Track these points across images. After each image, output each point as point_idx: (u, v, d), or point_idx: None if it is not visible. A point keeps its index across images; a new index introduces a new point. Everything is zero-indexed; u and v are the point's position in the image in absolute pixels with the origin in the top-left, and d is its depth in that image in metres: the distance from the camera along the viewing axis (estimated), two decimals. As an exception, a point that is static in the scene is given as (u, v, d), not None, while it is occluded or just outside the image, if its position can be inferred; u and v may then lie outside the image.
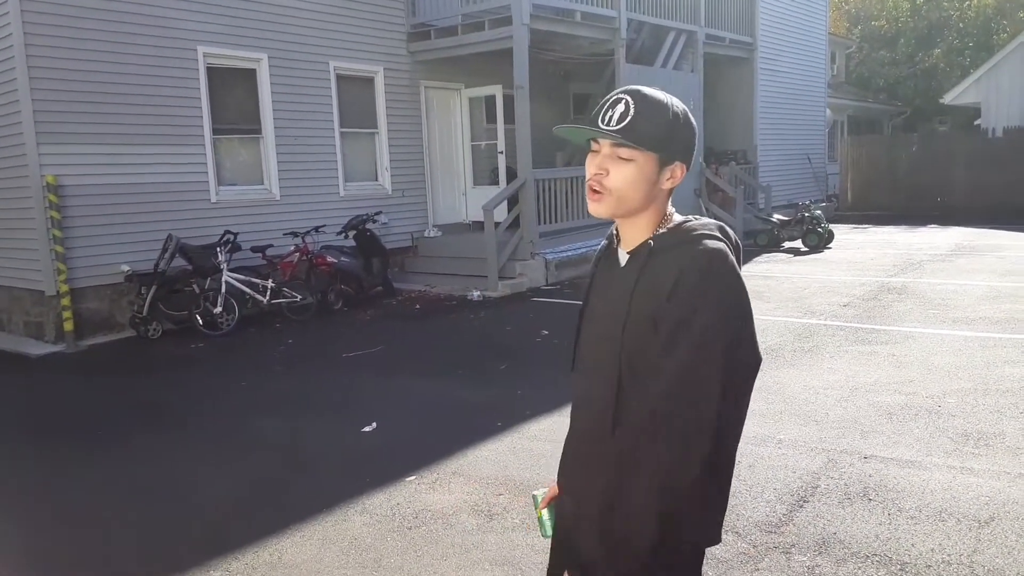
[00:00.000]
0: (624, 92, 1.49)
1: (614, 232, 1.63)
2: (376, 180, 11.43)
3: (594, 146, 1.52)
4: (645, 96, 1.48)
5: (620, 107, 1.46)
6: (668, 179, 1.53)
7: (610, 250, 1.63)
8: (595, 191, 1.51)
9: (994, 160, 18.15)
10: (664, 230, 1.54)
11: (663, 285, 1.45)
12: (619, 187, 1.49)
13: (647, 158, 1.48)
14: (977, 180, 18.22)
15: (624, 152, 1.47)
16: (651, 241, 1.52)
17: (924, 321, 7.46)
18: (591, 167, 1.52)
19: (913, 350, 6.42)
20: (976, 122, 22.23)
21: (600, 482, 1.54)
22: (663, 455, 1.43)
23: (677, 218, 1.57)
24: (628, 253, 1.56)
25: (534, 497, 1.81)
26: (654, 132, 1.47)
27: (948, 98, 22.40)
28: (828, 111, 21.14)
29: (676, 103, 1.50)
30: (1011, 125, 19.00)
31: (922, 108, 28.35)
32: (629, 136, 1.45)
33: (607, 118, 1.46)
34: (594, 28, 11.68)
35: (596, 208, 1.53)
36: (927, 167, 19.10)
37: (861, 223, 17.49)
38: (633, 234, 1.56)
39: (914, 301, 8.43)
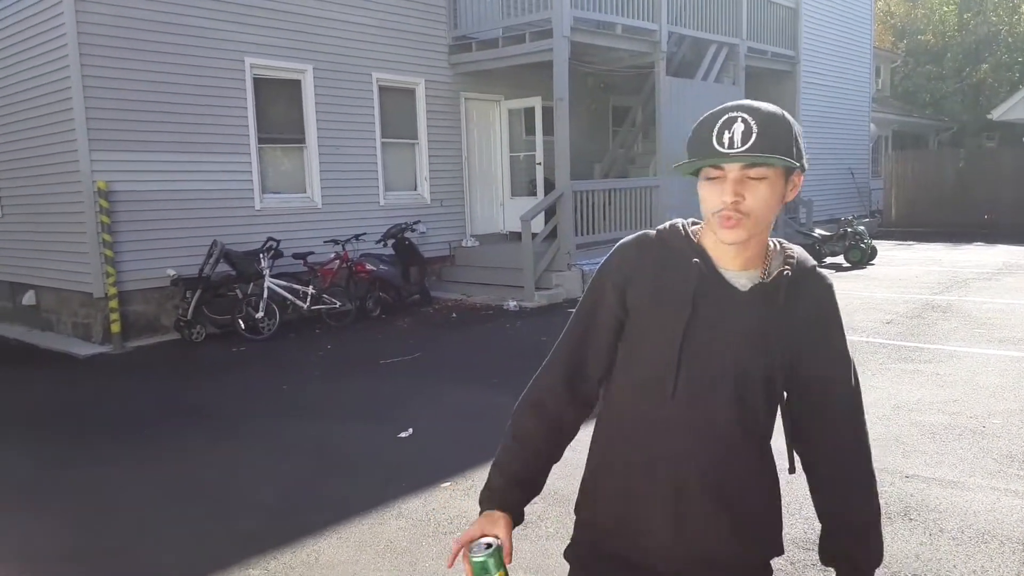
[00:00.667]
0: (735, 110, 1.39)
1: (698, 253, 1.48)
2: (415, 190, 11.55)
3: (712, 173, 1.40)
4: (759, 110, 1.39)
5: (739, 126, 1.36)
6: (791, 190, 1.46)
7: (710, 274, 1.46)
8: (732, 219, 1.39)
9: (1044, 177, 17.72)
10: (782, 254, 1.51)
11: (808, 315, 1.50)
12: (757, 209, 1.39)
13: (777, 173, 1.40)
14: (1026, 198, 17.80)
15: (756, 172, 1.38)
16: (787, 271, 1.48)
17: (969, 340, 7.30)
18: (720, 195, 1.39)
19: (957, 369, 6.29)
20: (1025, 138, 21.73)
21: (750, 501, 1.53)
22: (869, 477, 1.59)
23: (770, 239, 1.52)
24: (757, 280, 1.47)
25: (480, 558, 1.46)
26: (781, 145, 1.38)
27: (996, 114, 21.90)
28: (872, 125, 20.84)
29: (783, 110, 1.43)
30: (1062, 141, 18.54)
31: (969, 124, 27.77)
32: (766, 153, 1.36)
33: (728, 140, 1.36)
34: (634, 41, 11.69)
35: (735, 235, 1.40)
36: (974, 183, 18.71)
37: (905, 239, 17.17)
38: (746, 254, 1.46)
39: (959, 319, 8.26)
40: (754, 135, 1.35)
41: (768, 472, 1.56)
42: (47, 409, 6.36)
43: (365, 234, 9.96)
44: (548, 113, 11.41)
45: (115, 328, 8.28)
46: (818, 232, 13.69)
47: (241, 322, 8.41)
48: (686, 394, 1.44)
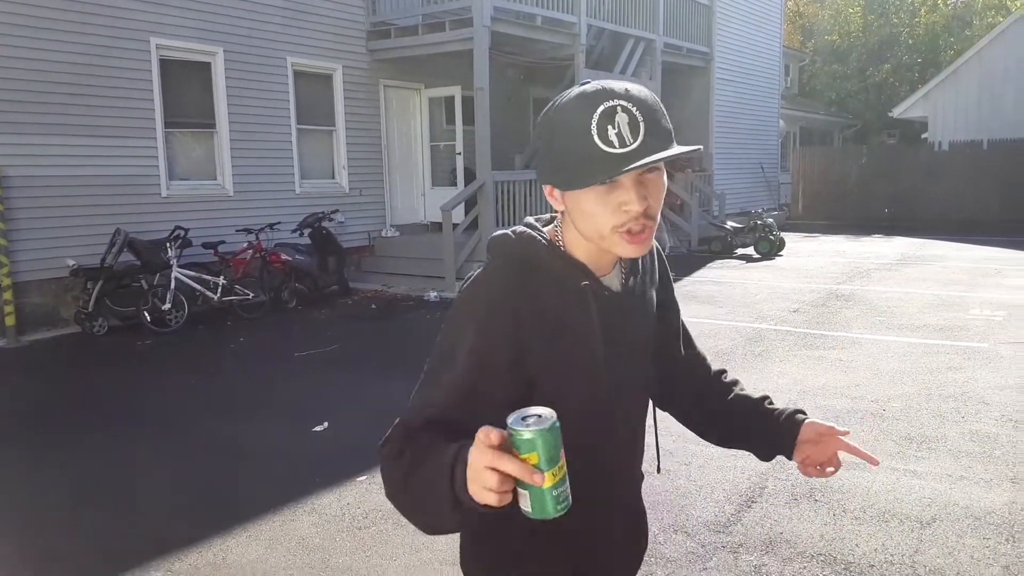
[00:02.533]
0: (611, 98, 1.12)
1: (580, 270, 1.26)
2: (333, 178, 11.31)
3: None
4: (630, 92, 1.14)
5: (622, 116, 1.11)
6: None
7: (600, 291, 1.27)
8: (646, 230, 1.17)
9: (940, 173, 18.73)
10: None
11: (658, 281, 1.47)
12: (658, 208, 1.18)
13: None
14: (924, 192, 18.78)
15: (657, 168, 1.16)
16: (640, 260, 1.40)
17: (871, 327, 7.64)
18: (620, 205, 1.14)
19: (860, 355, 6.57)
20: (923, 135, 22.92)
21: (635, 517, 1.51)
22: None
23: None
24: (619, 274, 1.32)
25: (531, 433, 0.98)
26: (668, 129, 1.16)
27: (897, 112, 23.06)
28: (781, 122, 21.61)
29: (640, 85, 1.19)
30: (957, 139, 19.62)
31: (872, 121, 29.13)
32: (671, 148, 1.14)
33: (618, 137, 1.10)
34: (554, 33, 11.74)
35: (645, 248, 1.19)
36: (876, 179, 19.62)
37: (811, 232, 17.87)
38: (613, 256, 1.27)
39: (861, 308, 8.63)
40: (642, 125, 1.11)
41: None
42: (-69, 408, 5.95)
43: (280, 223, 9.68)
44: (468, 102, 11.33)
45: (10, 321, 7.80)
46: (730, 224, 14.10)
47: (146, 314, 8.04)
48: (621, 430, 1.36)
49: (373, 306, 9.53)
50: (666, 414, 1.60)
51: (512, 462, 0.97)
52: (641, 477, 1.50)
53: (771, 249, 13.35)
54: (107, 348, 7.70)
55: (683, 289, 10.17)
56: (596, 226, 1.16)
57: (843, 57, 30.84)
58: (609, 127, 1.10)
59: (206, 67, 9.60)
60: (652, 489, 3.93)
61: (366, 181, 11.64)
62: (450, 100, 12.34)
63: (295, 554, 3.45)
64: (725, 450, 4.55)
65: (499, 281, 1.22)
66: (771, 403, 1.54)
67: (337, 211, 10.58)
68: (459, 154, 12.33)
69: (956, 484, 3.97)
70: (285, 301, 9.33)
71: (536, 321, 1.20)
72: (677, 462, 4.32)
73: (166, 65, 9.14)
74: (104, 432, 5.21)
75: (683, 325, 1.58)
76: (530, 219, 1.31)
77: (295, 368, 6.78)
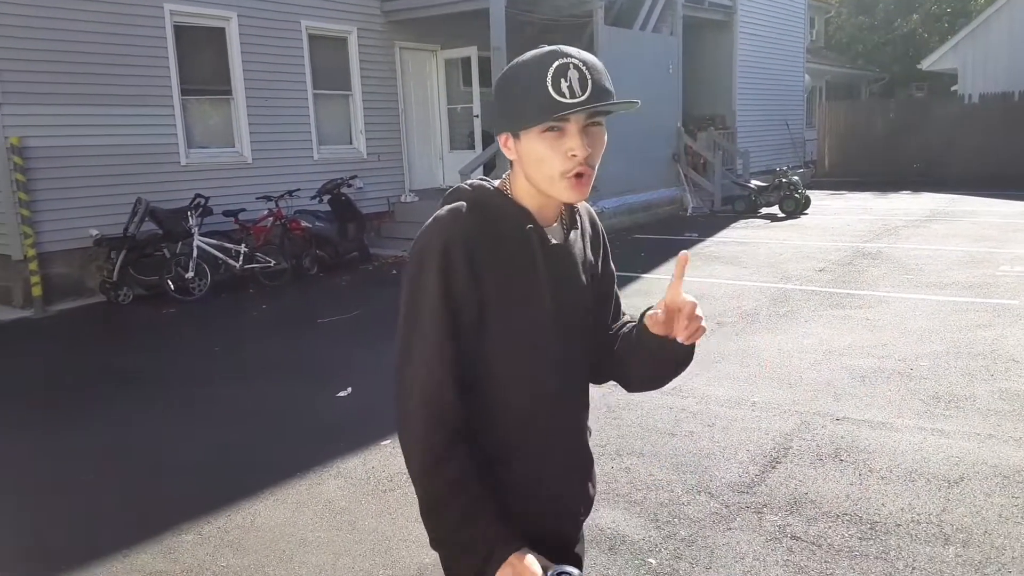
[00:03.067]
0: (563, 56, 1.27)
1: (526, 216, 1.37)
2: (351, 144, 11.25)
3: (548, 125, 1.27)
4: (581, 54, 1.29)
5: (574, 73, 1.25)
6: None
7: (543, 238, 1.38)
8: (586, 176, 1.30)
9: (970, 126, 18.26)
10: None
11: (595, 247, 1.53)
12: (598, 159, 1.33)
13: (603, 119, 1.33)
14: (953, 146, 18.34)
15: (598, 118, 1.30)
16: (577, 213, 1.48)
17: (898, 286, 7.51)
18: (566, 151, 1.27)
19: (887, 314, 6.47)
20: (953, 88, 22.33)
21: (585, 464, 1.54)
22: None
23: None
24: (559, 229, 1.43)
25: None
26: (610, 86, 1.30)
27: (926, 64, 22.45)
28: (807, 76, 21.12)
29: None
30: (987, 91, 19.10)
31: (900, 74, 28.40)
32: (609, 100, 1.28)
33: (568, 89, 1.25)
34: (573, -11, 11.50)
35: (585, 193, 1.32)
36: (904, 133, 19.18)
37: (838, 189, 17.57)
38: (556, 208, 1.41)
39: (889, 266, 8.49)
40: (590, 81, 1.26)
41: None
42: (-36, 378, 6.06)
43: (299, 190, 9.67)
44: (485, 63, 11.18)
45: (36, 291, 7.90)
46: (754, 183, 13.88)
47: (170, 283, 8.11)
48: (564, 369, 1.43)
49: (394, 272, 9.54)
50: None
51: None
52: (588, 430, 1.57)
53: (796, 207, 13.15)
54: (132, 316, 7.79)
55: (706, 250, 10.07)
56: (547, 170, 1.29)
57: (869, 8, 29.99)
58: (562, 80, 1.25)
59: (220, 32, 9.53)
60: (675, 451, 3.93)
61: (384, 146, 11.56)
62: (466, 61, 12.18)
63: (322, 516, 3.49)
64: (750, 412, 4.52)
65: (452, 220, 1.33)
66: (630, 322, 1.55)
67: (356, 177, 10.54)
68: (476, 116, 12.21)
69: (984, 443, 3.91)
70: (306, 268, 9.36)
71: (487, 254, 1.32)
72: (701, 423, 4.30)
73: (180, 31, 9.08)
74: (131, 398, 5.28)
75: (616, 297, 1.61)
76: (477, 177, 1.45)
77: (318, 334, 6.82)
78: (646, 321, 1.38)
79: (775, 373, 5.12)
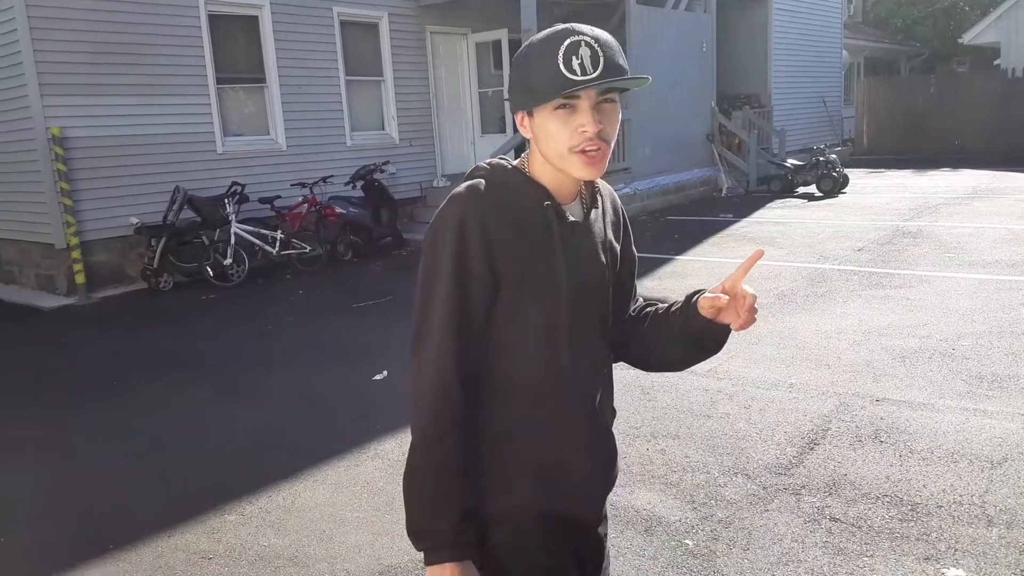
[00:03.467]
0: (575, 34, 1.28)
1: (544, 193, 1.38)
2: (383, 129, 11.29)
3: (559, 104, 1.29)
4: (593, 31, 1.30)
5: (585, 51, 1.26)
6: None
7: (561, 215, 1.38)
8: (600, 151, 1.31)
9: (1014, 101, 17.74)
10: None
11: (616, 229, 1.53)
12: (613, 135, 1.33)
13: (617, 95, 1.34)
14: (996, 122, 17.82)
15: (610, 95, 1.32)
16: (598, 192, 1.47)
17: (939, 265, 7.36)
18: (578, 127, 1.28)
19: (927, 294, 6.35)
20: (996, 62, 21.69)
21: (603, 444, 1.53)
22: None
23: None
24: (579, 207, 1.44)
25: None
26: (624, 63, 1.31)
27: (967, 38, 21.82)
28: (844, 53, 20.66)
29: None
30: (1032, 65, 18.53)
31: (940, 49, 27.64)
32: (621, 76, 1.29)
33: (580, 67, 1.26)
34: (603, -32, 11.37)
35: (599, 170, 1.32)
36: (945, 109, 18.69)
37: (877, 167, 17.22)
38: (575, 184, 1.41)
39: (929, 245, 8.32)
40: (602, 58, 1.27)
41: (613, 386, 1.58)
42: (13, 362, 6.23)
43: (333, 176, 9.75)
44: (515, 46, 11.13)
45: (80, 279, 8.09)
46: (791, 162, 13.66)
47: (209, 269, 8.25)
48: (579, 347, 1.41)
49: (427, 256, 9.57)
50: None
51: None
52: (613, 412, 1.56)
53: (834, 186, 12.91)
54: (173, 303, 7.94)
55: (741, 231, 9.96)
56: (557, 146, 1.30)
57: (910, -19, 29.20)
58: (573, 57, 1.26)
59: (254, 20, 9.61)
60: (711, 433, 3.91)
61: (416, 131, 11.59)
62: (497, 44, 12.13)
63: (361, 497, 3.55)
64: (787, 393, 4.48)
65: (469, 197, 1.34)
66: (673, 305, 1.53)
67: (388, 162, 10.59)
68: (507, 100, 12.14)
69: (1030, 424, 3.83)
70: (341, 254, 9.45)
71: (502, 232, 1.33)
72: (737, 405, 4.27)
73: (215, 20, 9.18)
74: (174, 382, 5.40)
75: (633, 281, 1.63)
76: (499, 156, 1.46)
77: (353, 319, 6.89)
78: (700, 303, 1.39)
79: (813, 354, 5.06)
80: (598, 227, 1.46)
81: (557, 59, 1.27)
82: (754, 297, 1.34)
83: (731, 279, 1.35)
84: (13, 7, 7.63)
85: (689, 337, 1.44)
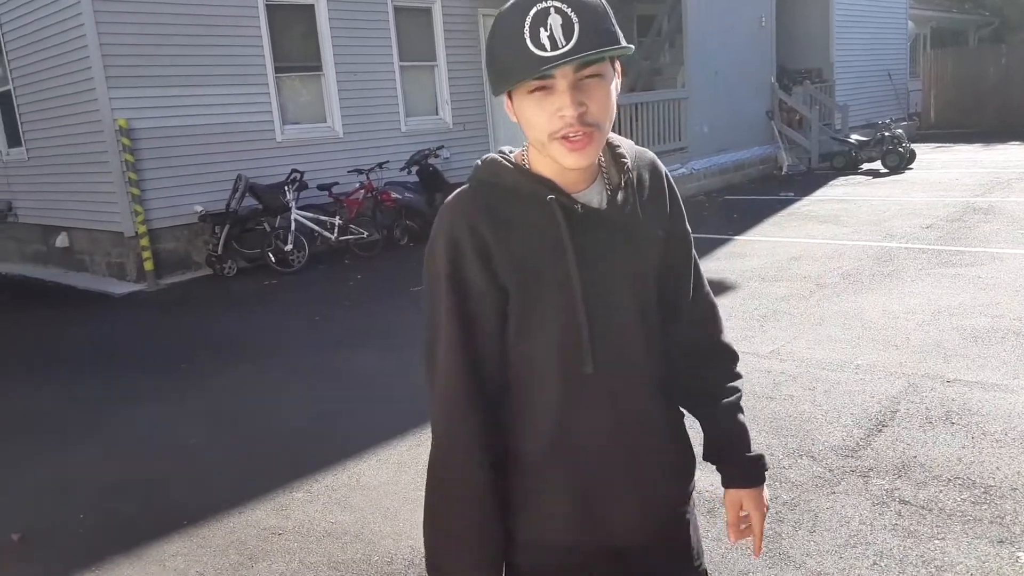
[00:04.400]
0: (543, 2, 1.09)
1: (546, 185, 1.22)
2: (437, 114, 11.34)
3: (533, 85, 1.12)
4: None
5: (555, 18, 1.08)
6: (617, 76, 1.20)
7: (569, 206, 1.22)
8: (583, 137, 1.13)
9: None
10: (609, 151, 1.30)
11: (660, 206, 1.33)
12: (602, 115, 1.14)
13: (607, 65, 1.14)
14: (1073, 92, 17.00)
15: (593, 70, 1.12)
16: (629, 171, 1.28)
17: (1012, 242, 7.08)
18: (555, 111, 1.12)
19: (1000, 272, 6.12)
20: (1074, 29, 20.64)
21: (653, 459, 1.34)
22: (726, 349, 1.45)
23: None
24: (604, 190, 1.26)
25: None
26: (607, 29, 1.11)
27: (1043, 4, 20.79)
28: (910, 23, 19.90)
29: None
30: (1114, 30, 17.57)
31: (1012, 18, 26.37)
32: (602, 47, 1.10)
33: (549, 40, 1.08)
34: (658, -56, 11.16)
35: (586, 156, 1.15)
36: (1016, 81, 17.90)
37: (944, 142, 16.60)
38: (591, 168, 1.24)
39: (1001, 221, 8.00)
40: (576, 26, 1.08)
41: (675, 396, 1.41)
42: (88, 347, 6.49)
43: (388, 162, 9.84)
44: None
45: (148, 266, 8.36)
46: (854, 138, 13.26)
47: (271, 255, 8.44)
48: (606, 356, 1.24)
49: (483, 239, 9.61)
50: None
51: None
52: (662, 414, 1.35)
53: (900, 162, 12.50)
54: (237, 288, 8.15)
55: (803, 209, 9.73)
56: (537, 134, 1.15)
57: (980, -54, 27.94)
58: (541, 29, 1.08)
59: (310, 9, 9.72)
60: (774, 415, 3.85)
61: (469, 115, 11.60)
62: (550, 25, 12.01)
63: (423, 476, 3.57)
64: (853, 375, 4.37)
65: (458, 204, 1.23)
66: (730, 430, 1.41)
67: (442, 147, 10.64)
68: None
69: (1114, 405, 3.67)
70: (397, 238, 9.55)
71: (498, 237, 1.19)
72: (801, 387, 4.19)
73: (272, 10, 9.32)
74: (239, 364, 5.55)
75: (695, 266, 1.41)
76: (504, 148, 1.30)
77: (411, 302, 6.97)
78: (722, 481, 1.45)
79: (880, 335, 4.93)
80: (629, 209, 1.27)
81: (523, 32, 1.09)
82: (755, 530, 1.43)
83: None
84: (80, 1, 7.87)
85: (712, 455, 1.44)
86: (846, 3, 15.97)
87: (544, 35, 1.08)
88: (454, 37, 11.27)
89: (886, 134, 12.72)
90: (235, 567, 3.02)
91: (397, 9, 10.56)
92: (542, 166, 1.22)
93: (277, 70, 9.41)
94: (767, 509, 1.43)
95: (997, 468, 3.20)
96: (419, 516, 3.24)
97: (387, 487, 3.54)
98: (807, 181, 12.15)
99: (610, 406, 1.26)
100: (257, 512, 3.41)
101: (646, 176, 1.32)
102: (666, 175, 1.37)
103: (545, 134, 1.14)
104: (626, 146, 1.32)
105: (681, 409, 1.42)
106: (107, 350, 6.35)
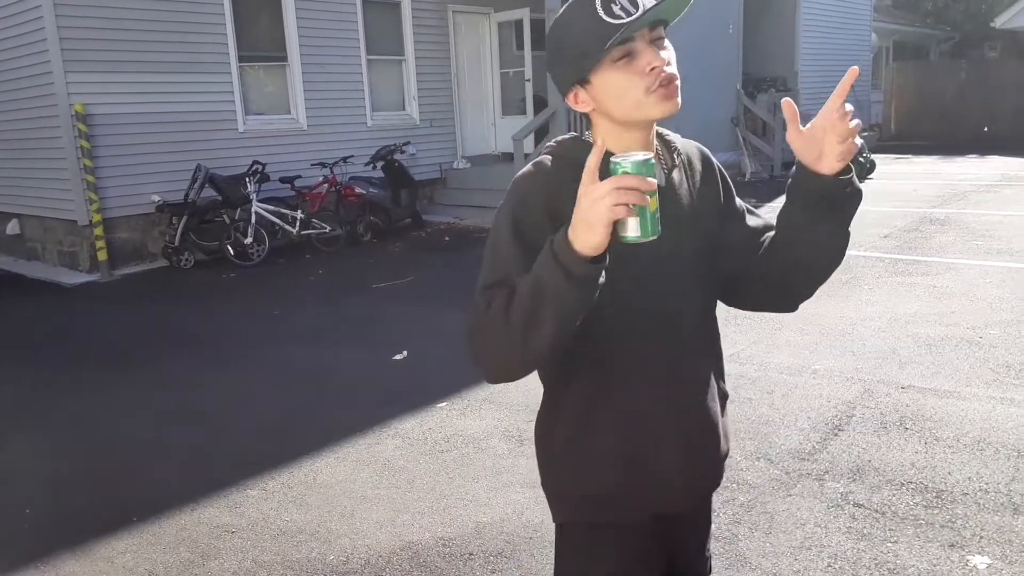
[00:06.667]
0: None
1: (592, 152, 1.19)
2: (404, 110, 11.26)
3: (617, 54, 1.20)
4: None
5: None
6: None
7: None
8: (673, 84, 1.23)
9: (1046, 87, 17.38)
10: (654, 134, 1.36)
11: (712, 186, 1.42)
12: (677, 72, 1.25)
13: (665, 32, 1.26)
14: (1026, 108, 17.49)
15: (660, 31, 1.23)
16: (679, 152, 1.38)
17: (967, 252, 7.24)
18: (643, 67, 1.20)
19: (955, 281, 6.25)
20: (1028, 47, 21.24)
21: (698, 432, 1.42)
22: None
23: None
24: (663, 167, 1.34)
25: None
26: None
27: (1000, 22, 21.33)
28: (873, 36, 20.30)
29: None
30: (1066, 50, 18.13)
31: (972, 33, 27.06)
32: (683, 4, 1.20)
33: (624, 10, 1.17)
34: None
35: (677, 104, 1.24)
36: (975, 95, 18.35)
37: (904, 153, 16.95)
38: (647, 146, 1.31)
39: (957, 232, 8.19)
40: None
41: (719, 364, 1.49)
42: (38, 337, 6.31)
43: (353, 156, 9.72)
44: (537, 25, 11.02)
45: (102, 256, 8.16)
46: (815, 147, 13.44)
47: (230, 248, 8.29)
48: (661, 324, 1.32)
49: (446, 238, 9.57)
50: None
51: (631, 178, 1.05)
52: (714, 386, 1.44)
53: (860, 172, 12.62)
54: (194, 281, 7.99)
55: (765, 216, 9.84)
56: (631, 97, 1.21)
57: (940, -37, 28.60)
58: (612, 4, 1.17)
59: (276, -1, 9.59)
60: (732, 417, 3.88)
61: (436, 112, 11.54)
62: (519, 24, 12.02)
63: (381, 475, 3.55)
64: (811, 379, 4.41)
65: (532, 171, 1.30)
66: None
67: (408, 143, 10.56)
68: (528, 80, 12.07)
69: (1060, 413, 3.76)
70: (360, 234, 9.45)
71: (568, 200, 1.16)
72: (759, 390, 4.23)
73: (238, -2, 9.16)
74: (194, 358, 5.43)
75: (753, 216, 1.48)
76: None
77: (373, 299, 6.90)
78: (796, 149, 1.24)
79: (837, 341, 5.00)
80: (684, 190, 1.36)
81: (596, 10, 1.18)
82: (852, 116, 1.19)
83: (827, 107, 1.20)
84: (38, -17, 7.65)
85: (809, 207, 1.27)
86: (812, 14, 16.22)
87: (616, 8, 1.17)
88: (423, 32, 11.20)
89: (847, 144, 12.92)
90: (186, 564, 2.94)
91: (366, 2, 10.46)
92: (611, 144, 1.24)
93: (241, 59, 9.25)
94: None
95: (949, 473, 3.25)
96: (377, 515, 3.21)
97: (344, 485, 3.48)
98: (770, 188, 12.31)
99: (659, 371, 1.34)
100: (209, 509, 3.33)
101: (696, 161, 1.42)
102: (713, 160, 1.46)
103: (642, 91, 1.20)
104: (673, 134, 1.41)
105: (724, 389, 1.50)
106: (58, 341, 6.17)
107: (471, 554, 2.88)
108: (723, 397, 1.49)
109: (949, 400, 3.97)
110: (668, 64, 1.22)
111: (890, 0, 26.88)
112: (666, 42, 1.24)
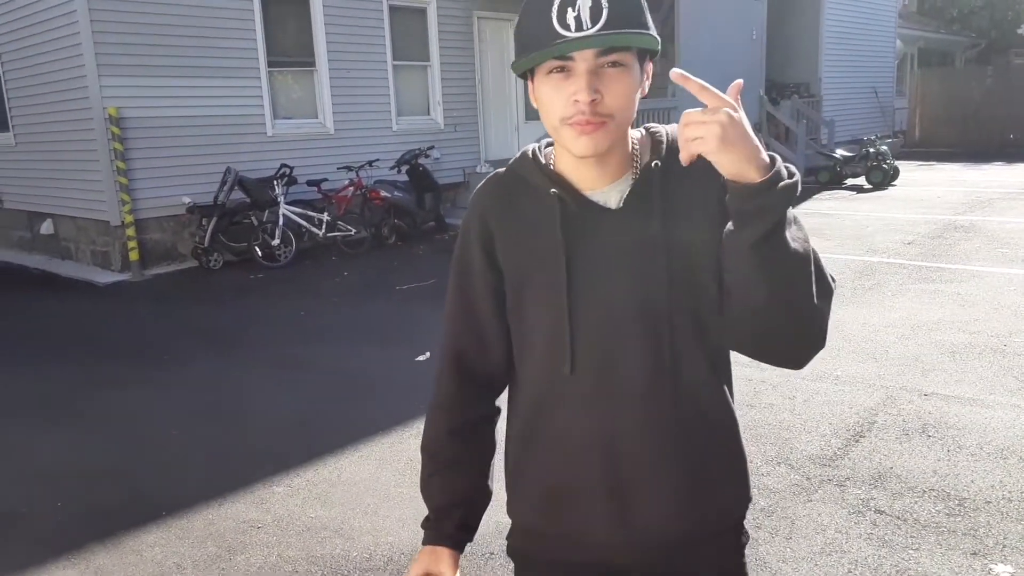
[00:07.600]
0: None
1: (555, 180, 1.19)
2: (428, 114, 11.35)
3: (554, 65, 1.08)
4: None
5: (584, 1, 1.05)
6: (646, 79, 1.15)
7: (574, 202, 1.18)
8: (591, 123, 1.08)
9: (1076, 94, 17.15)
10: (649, 141, 1.22)
11: (709, 188, 1.13)
12: (619, 107, 1.09)
13: (632, 59, 1.09)
14: (1056, 115, 17.28)
15: (616, 57, 1.07)
16: (656, 161, 1.17)
17: (992, 260, 7.19)
18: (570, 94, 1.08)
19: (979, 289, 6.21)
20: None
21: (672, 447, 1.21)
22: None
23: (638, 129, 1.25)
24: (629, 187, 1.18)
25: None
26: (636, 20, 1.07)
27: (1028, 28, 21.12)
28: (898, 42, 20.16)
29: None
30: (1097, 56, 17.87)
31: (998, 40, 26.76)
32: (626, 30, 1.06)
33: (575, 20, 1.05)
34: (653, -46, 11.24)
35: (595, 143, 1.09)
36: (1001, 103, 18.15)
37: (928, 160, 16.81)
38: (611, 166, 1.17)
39: (982, 239, 8.12)
40: (605, 11, 1.04)
41: (717, 414, 1.25)
42: (71, 335, 6.45)
43: (378, 160, 9.84)
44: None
45: (133, 256, 8.31)
46: (839, 153, 13.40)
47: (258, 249, 8.42)
48: (591, 360, 1.18)
49: (470, 241, 9.62)
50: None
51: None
52: (667, 431, 1.20)
53: (884, 179, 12.64)
54: (223, 281, 8.12)
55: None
56: (550, 118, 1.12)
57: (969, -31, 28.30)
58: (569, 10, 1.06)
59: (304, 5, 9.71)
60: (754, 422, 3.90)
61: (461, 116, 11.63)
62: (544, 30, 12.05)
63: (404, 474, 3.61)
64: (833, 385, 4.42)
65: (481, 189, 1.29)
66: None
67: (433, 147, 10.65)
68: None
69: (1085, 423, 3.74)
70: (385, 237, 9.55)
71: (506, 225, 1.23)
72: (781, 396, 4.24)
73: (267, 4, 9.29)
74: (222, 357, 5.54)
75: None
76: (544, 139, 1.30)
77: (397, 300, 6.98)
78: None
79: (860, 347, 4.99)
80: (646, 213, 1.16)
81: (551, 10, 1.06)
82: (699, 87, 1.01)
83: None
84: (73, -11, 7.83)
85: (732, 234, 1.05)
86: (836, 20, 16.15)
87: (571, 15, 1.05)
88: (448, 38, 11.29)
89: (871, 150, 12.86)
90: (213, 559, 3.02)
91: (392, 8, 10.57)
92: (563, 162, 1.21)
93: (270, 64, 9.39)
94: None
95: (972, 481, 3.25)
96: (400, 513, 3.26)
97: (368, 483, 3.55)
98: (793, 194, 12.24)
99: (588, 410, 1.20)
100: (236, 505, 3.41)
101: (699, 171, 1.10)
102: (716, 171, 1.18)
103: (557, 118, 1.11)
104: (670, 134, 1.22)
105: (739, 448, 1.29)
106: (90, 339, 6.30)
107: (492, 553, 2.93)
108: (704, 448, 1.23)
109: (972, 408, 3.97)
110: (596, 102, 1.07)
111: (915, 7, 26.64)
112: (624, 72, 1.09)
